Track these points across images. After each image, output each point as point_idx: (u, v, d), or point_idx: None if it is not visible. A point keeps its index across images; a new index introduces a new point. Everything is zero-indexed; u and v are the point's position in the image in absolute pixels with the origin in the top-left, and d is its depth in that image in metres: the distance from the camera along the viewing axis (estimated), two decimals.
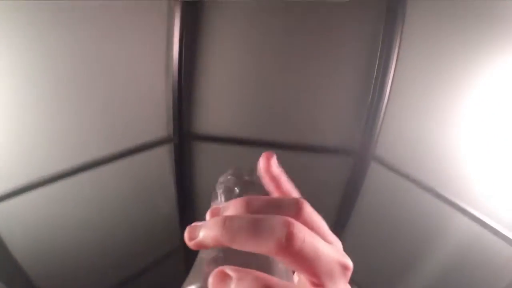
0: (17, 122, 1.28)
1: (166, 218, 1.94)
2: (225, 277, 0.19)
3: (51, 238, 1.54)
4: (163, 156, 1.77)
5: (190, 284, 0.22)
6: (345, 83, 1.75)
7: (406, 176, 1.67)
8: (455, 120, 1.49)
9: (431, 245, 1.66)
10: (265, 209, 0.23)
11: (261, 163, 0.30)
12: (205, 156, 1.83)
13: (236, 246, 0.21)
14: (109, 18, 1.41)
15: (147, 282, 2.07)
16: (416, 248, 1.73)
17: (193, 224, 0.24)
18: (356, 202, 1.92)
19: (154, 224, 1.93)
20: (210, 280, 0.20)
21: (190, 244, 0.23)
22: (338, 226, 1.92)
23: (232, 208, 0.24)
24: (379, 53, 1.68)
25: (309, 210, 0.24)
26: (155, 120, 1.70)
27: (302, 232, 0.21)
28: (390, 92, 1.71)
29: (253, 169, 0.32)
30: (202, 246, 0.23)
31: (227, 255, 0.23)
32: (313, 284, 0.22)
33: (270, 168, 0.30)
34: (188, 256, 2.07)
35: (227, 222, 0.21)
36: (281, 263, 0.23)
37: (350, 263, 0.23)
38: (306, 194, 0.31)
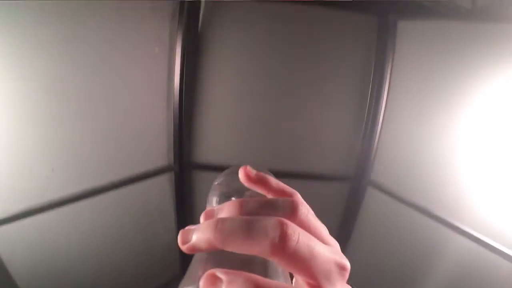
0: (19, 150, 1.30)
1: (166, 246, 1.93)
2: (215, 280, 0.19)
3: (51, 263, 1.53)
4: (163, 185, 1.79)
5: (185, 285, 0.21)
6: (340, 112, 1.81)
7: (402, 199, 1.69)
8: (448, 142, 1.53)
9: (429, 265, 1.65)
10: (259, 211, 0.23)
11: (240, 177, 0.30)
12: (205, 185, 1.84)
13: (230, 248, 0.21)
14: (112, 49, 1.47)
15: None
16: (414, 268, 1.72)
17: (186, 227, 0.23)
18: (354, 227, 1.93)
19: (154, 252, 1.91)
20: (201, 283, 0.19)
21: (183, 248, 0.23)
22: None
23: (225, 210, 0.24)
24: (371, 81, 1.76)
25: (305, 210, 0.23)
26: (156, 149, 1.73)
27: (296, 233, 0.20)
28: (383, 119, 1.77)
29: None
30: (196, 249, 0.22)
31: (221, 258, 0.23)
32: (310, 286, 0.21)
33: (249, 176, 0.29)
34: None
35: (220, 225, 0.21)
36: (279, 265, 0.23)
37: (347, 264, 0.23)
38: None
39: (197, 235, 0.22)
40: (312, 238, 0.22)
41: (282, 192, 0.29)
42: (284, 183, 0.30)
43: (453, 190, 1.52)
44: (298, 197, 0.28)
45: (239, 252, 0.21)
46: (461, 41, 1.46)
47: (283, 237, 0.20)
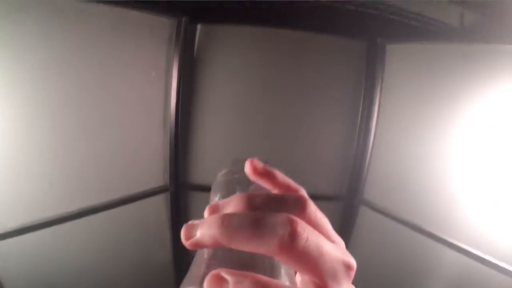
0: (17, 166, 1.32)
1: (161, 265, 1.93)
2: (220, 281, 0.18)
3: (46, 280, 1.53)
4: (159, 205, 1.81)
5: (187, 286, 0.20)
6: (331, 133, 1.86)
7: (395, 217, 1.71)
8: (438, 159, 1.57)
9: (424, 281, 1.65)
10: (267, 206, 0.22)
11: (246, 169, 0.29)
12: (201, 205, 1.82)
13: (236, 246, 0.20)
14: (110, 72, 1.51)
15: None
16: (409, 285, 1.73)
17: (189, 222, 0.22)
18: (348, 246, 1.91)
19: (149, 271, 1.91)
20: (205, 285, 0.18)
21: (186, 243, 0.22)
22: None
23: (232, 204, 0.23)
24: (362, 102, 1.81)
25: (313, 208, 0.23)
26: (152, 170, 1.76)
27: (305, 230, 0.20)
28: (374, 139, 1.82)
29: None
30: (199, 246, 0.21)
31: (226, 256, 0.22)
32: (316, 285, 0.21)
33: (256, 169, 0.28)
34: None
35: (226, 220, 0.20)
36: (283, 264, 0.22)
37: (353, 263, 0.22)
38: None
39: (202, 231, 0.21)
40: (320, 236, 0.21)
41: (288, 188, 0.28)
42: None
43: (444, 206, 1.54)
44: (305, 193, 0.28)
45: (245, 249, 0.20)
46: (449, 62, 1.51)
47: (293, 235, 0.19)
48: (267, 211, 0.21)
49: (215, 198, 0.31)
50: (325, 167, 1.89)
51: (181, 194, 1.84)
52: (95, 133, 1.51)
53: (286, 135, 1.83)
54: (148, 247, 1.88)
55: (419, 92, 1.63)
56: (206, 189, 1.85)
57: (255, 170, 0.28)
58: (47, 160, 1.39)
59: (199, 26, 1.69)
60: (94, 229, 1.61)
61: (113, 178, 1.62)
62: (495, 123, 1.37)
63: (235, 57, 1.75)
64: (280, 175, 0.29)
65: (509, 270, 1.30)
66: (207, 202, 0.32)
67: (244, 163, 0.31)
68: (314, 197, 0.24)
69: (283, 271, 0.22)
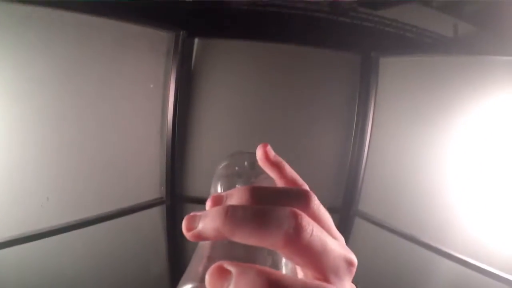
0: (16, 177, 1.32)
1: (157, 277, 1.92)
2: (224, 272, 0.18)
3: None
4: (155, 217, 1.81)
5: (186, 282, 0.19)
6: (326, 145, 1.88)
7: (390, 228, 1.72)
8: (432, 170, 1.58)
9: None
10: (272, 200, 0.21)
11: (258, 153, 0.28)
12: None
13: (239, 238, 0.19)
14: (109, 85, 1.53)
15: None
16: None
17: (192, 213, 0.21)
18: None
19: (144, 284, 1.90)
20: (207, 277, 0.18)
21: (187, 235, 0.21)
22: None
23: (235, 196, 0.22)
24: (356, 114, 1.84)
25: (317, 202, 0.23)
26: (149, 183, 1.77)
27: (310, 225, 0.19)
28: (368, 151, 1.84)
29: (254, 155, 0.30)
30: (201, 237, 0.21)
31: (226, 251, 0.21)
32: (318, 280, 0.20)
33: (268, 156, 0.28)
34: None
35: (230, 212, 0.19)
36: (285, 259, 0.22)
37: (355, 260, 0.22)
38: None
39: (204, 222, 0.20)
40: (324, 231, 0.21)
41: (294, 182, 0.28)
42: None
43: (439, 216, 1.56)
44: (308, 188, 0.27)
45: (248, 243, 0.19)
46: (442, 74, 1.54)
47: (298, 228, 0.19)
48: (271, 204, 0.20)
49: (215, 190, 0.30)
50: (320, 179, 1.91)
51: (177, 206, 1.85)
52: (93, 145, 1.52)
53: (282, 147, 1.80)
54: (144, 259, 1.87)
55: (413, 104, 1.66)
56: (202, 201, 1.83)
57: (267, 157, 0.28)
58: (45, 172, 1.40)
59: (196, 40, 1.71)
60: (91, 241, 1.61)
61: (110, 190, 1.63)
62: (489, 133, 1.39)
63: (232, 71, 1.78)
64: (289, 168, 0.28)
65: (506, 279, 1.31)
66: None
67: (244, 155, 0.31)
68: None
69: (284, 267, 0.22)
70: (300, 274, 0.23)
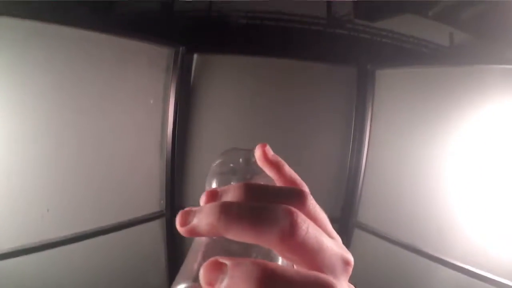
0: (15, 189, 1.33)
1: None
2: (218, 266, 0.17)
3: None
4: (155, 230, 1.82)
5: (180, 282, 0.19)
6: (324, 157, 1.90)
7: (389, 239, 1.73)
8: (430, 180, 1.59)
9: None
10: (267, 197, 0.21)
11: (257, 153, 0.28)
12: None
13: (234, 235, 0.19)
14: (109, 99, 1.55)
15: None
16: None
17: (186, 208, 0.21)
18: None
19: None
20: (201, 272, 0.18)
21: (181, 230, 0.21)
22: None
23: (230, 193, 0.22)
24: (353, 126, 1.86)
25: (313, 202, 0.22)
26: (148, 195, 1.78)
27: (306, 223, 0.19)
28: (366, 162, 1.85)
29: (251, 152, 0.30)
30: (195, 233, 0.20)
31: (223, 247, 0.21)
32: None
33: (266, 155, 0.28)
34: None
35: (225, 208, 0.19)
36: (282, 257, 0.21)
37: (351, 259, 0.22)
38: None
39: (199, 218, 0.20)
40: (320, 230, 0.21)
41: (293, 182, 0.28)
42: None
43: (438, 226, 1.56)
44: (307, 189, 0.27)
45: (243, 240, 0.19)
46: (438, 85, 1.56)
47: (293, 226, 0.19)
48: (267, 202, 0.20)
49: (210, 187, 0.29)
50: (319, 191, 1.91)
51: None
52: (93, 159, 1.54)
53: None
54: (144, 272, 1.87)
55: (410, 115, 1.68)
56: None
57: (265, 156, 0.28)
58: (45, 184, 1.41)
59: (195, 56, 1.74)
60: (90, 254, 1.61)
61: (109, 203, 1.63)
62: (487, 142, 1.40)
63: (230, 86, 1.80)
64: (288, 168, 0.28)
65: (507, 285, 1.31)
66: None
67: (239, 152, 0.31)
68: None
69: (282, 264, 0.21)
70: None
